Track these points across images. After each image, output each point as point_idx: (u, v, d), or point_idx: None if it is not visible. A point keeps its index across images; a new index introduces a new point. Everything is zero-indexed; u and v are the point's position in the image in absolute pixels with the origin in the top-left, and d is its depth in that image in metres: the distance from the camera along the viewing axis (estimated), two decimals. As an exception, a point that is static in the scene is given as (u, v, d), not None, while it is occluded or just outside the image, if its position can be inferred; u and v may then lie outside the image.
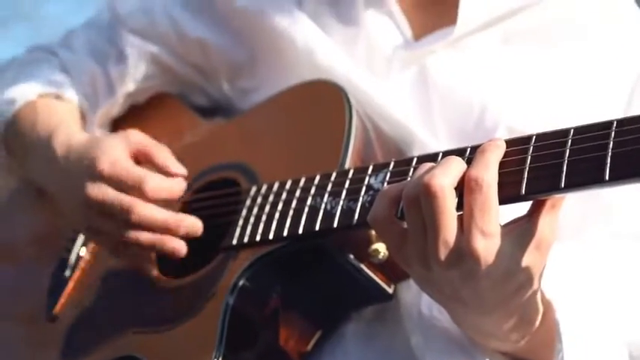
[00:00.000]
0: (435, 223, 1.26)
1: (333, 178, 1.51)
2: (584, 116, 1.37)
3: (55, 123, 1.80)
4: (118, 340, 1.62)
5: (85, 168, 1.65)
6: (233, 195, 1.65)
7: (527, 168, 1.28)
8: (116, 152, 1.66)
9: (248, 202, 1.59)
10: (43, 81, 1.89)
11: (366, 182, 1.46)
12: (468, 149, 1.35)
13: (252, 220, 1.56)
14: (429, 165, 1.30)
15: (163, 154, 1.69)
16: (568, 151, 1.26)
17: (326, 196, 1.49)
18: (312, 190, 1.51)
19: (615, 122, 1.25)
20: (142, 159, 1.69)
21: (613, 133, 1.24)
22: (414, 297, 1.55)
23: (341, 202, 1.47)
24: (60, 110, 1.85)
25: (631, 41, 1.66)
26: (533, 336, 1.39)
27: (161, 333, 1.58)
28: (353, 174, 1.49)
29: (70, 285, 1.76)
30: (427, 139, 1.63)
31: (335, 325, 1.60)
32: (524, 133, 1.32)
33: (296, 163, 1.61)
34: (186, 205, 1.72)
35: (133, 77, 1.90)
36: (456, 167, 1.27)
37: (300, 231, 1.49)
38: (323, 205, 1.49)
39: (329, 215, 1.47)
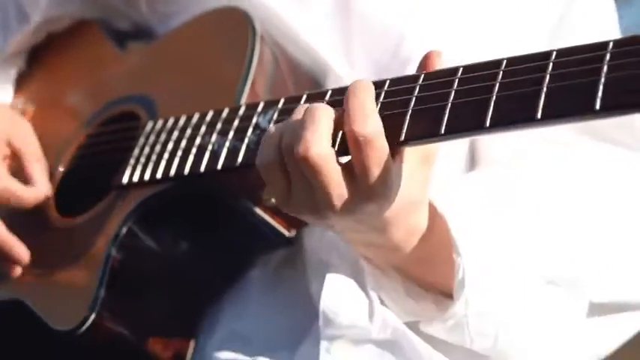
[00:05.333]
0: (323, 185, 1.17)
1: (224, 115, 1.40)
2: (504, 51, 1.25)
3: None
4: (7, 282, 1.54)
5: None
6: (131, 130, 1.54)
7: (409, 111, 1.17)
8: None
9: (142, 138, 1.49)
10: None
11: (253, 121, 1.35)
12: (329, 91, 1.26)
13: (143, 158, 1.46)
14: (295, 118, 1.19)
15: (36, 167, 1.62)
16: (453, 92, 1.15)
17: (214, 134, 1.39)
18: (203, 129, 1.41)
19: (505, 61, 1.14)
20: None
21: (501, 74, 1.13)
22: (315, 242, 1.47)
23: (227, 142, 1.36)
24: None
25: None
26: (424, 246, 1.30)
27: (46, 276, 1.50)
28: (244, 111, 1.38)
29: None
30: (342, 70, 1.52)
31: (237, 272, 1.50)
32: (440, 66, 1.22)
33: (195, 98, 1.50)
34: (86, 140, 1.63)
35: (48, 2, 1.79)
36: (327, 123, 1.17)
37: (186, 171, 1.39)
38: (210, 145, 1.38)
39: (215, 155, 1.37)
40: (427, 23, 1.52)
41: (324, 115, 1.17)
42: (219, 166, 1.35)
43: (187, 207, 1.43)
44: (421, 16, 1.52)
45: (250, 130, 1.34)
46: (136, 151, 1.48)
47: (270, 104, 1.35)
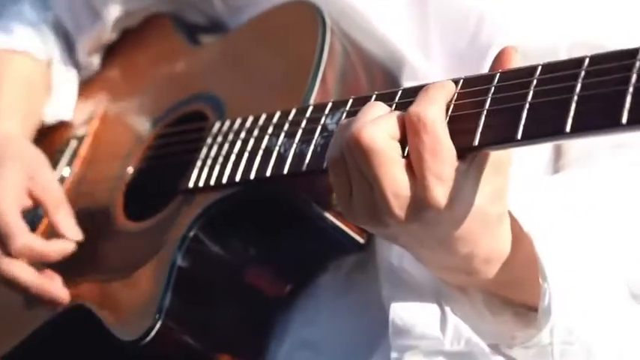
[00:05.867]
0: (379, 178, 1.10)
1: (291, 117, 1.33)
2: (590, 39, 1.17)
3: None
4: (75, 287, 1.50)
5: None
6: (199, 131, 1.49)
7: (484, 112, 1.09)
8: (4, 190, 1.54)
9: (209, 140, 1.44)
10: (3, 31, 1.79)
11: (321, 122, 1.28)
12: (400, 92, 1.18)
13: (209, 161, 1.41)
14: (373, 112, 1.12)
15: (60, 214, 1.55)
16: (531, 93, 1.07)
17: (281, 136, 1.32)
18: (270, 130, 1.35)
19: (587, 59, 1.05)
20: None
21: (582, 73, 1.04)
22: (385, 248, 1.39)
23: (294, 145, 1.30)
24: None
25: None
26: (508, 269, 1.22)
27: (112, 283, 1.45)
28: (311, 112, 1.31)
29: (42, 224, 1.64)
30: (417, 61, 1.46)
31: (308, 278, 1.44)
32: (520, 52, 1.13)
33: (264, 97, 1.44)
34: (155, 140, 1.59)
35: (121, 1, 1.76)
36: (378, 111, 1.12)
37: (252, 176, 1.33)
38: (277, 148, 1.32)
39: (281, 159, 1.30)
40: (507, 3, 1.43)
41: (377, 107, 1.12)
42: (285, 171, 1.29)
43: (254, 211, 1.37)
44: None
45: (317, 132, 1.28)
46: (203, 154, 1.43)
47: (339, 105, 1.28)
